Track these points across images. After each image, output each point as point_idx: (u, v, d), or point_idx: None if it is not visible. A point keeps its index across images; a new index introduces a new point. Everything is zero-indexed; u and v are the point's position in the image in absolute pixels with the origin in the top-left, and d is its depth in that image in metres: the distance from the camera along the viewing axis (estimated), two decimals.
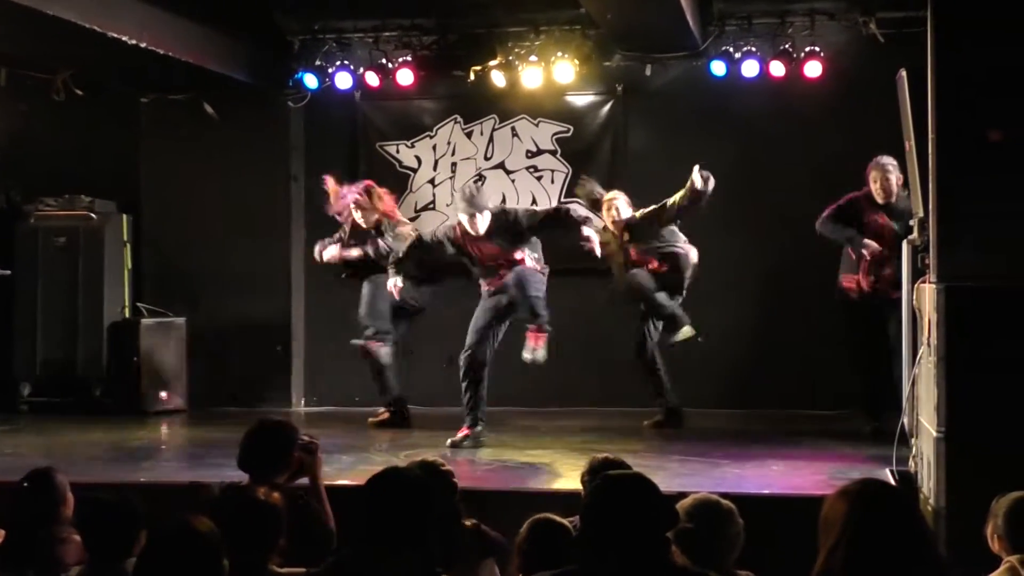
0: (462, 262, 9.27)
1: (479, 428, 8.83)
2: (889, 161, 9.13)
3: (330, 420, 10.62)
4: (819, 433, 9.42)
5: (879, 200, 9.25)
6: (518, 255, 8.94)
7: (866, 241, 9.16)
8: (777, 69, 10.73)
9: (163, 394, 11.50)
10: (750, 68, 10.77)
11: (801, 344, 10.93)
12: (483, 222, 8.91)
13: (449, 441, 8.69)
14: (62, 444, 9.41)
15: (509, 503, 6.80)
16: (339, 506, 5.31)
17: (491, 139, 11.81)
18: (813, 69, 10.68)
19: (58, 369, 11.52)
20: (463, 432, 8.78)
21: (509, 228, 8.96)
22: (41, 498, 5.01)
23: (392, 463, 5.37)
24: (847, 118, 10.75)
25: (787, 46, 10.71)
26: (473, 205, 8.92)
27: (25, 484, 5.08)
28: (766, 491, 7.12)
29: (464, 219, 9.00)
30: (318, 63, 11.53)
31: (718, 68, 10.86)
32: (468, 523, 5.30)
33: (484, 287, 9.12)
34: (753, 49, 10.76)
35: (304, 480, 5.40)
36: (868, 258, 9.14)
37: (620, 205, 9.83)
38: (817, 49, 10.67)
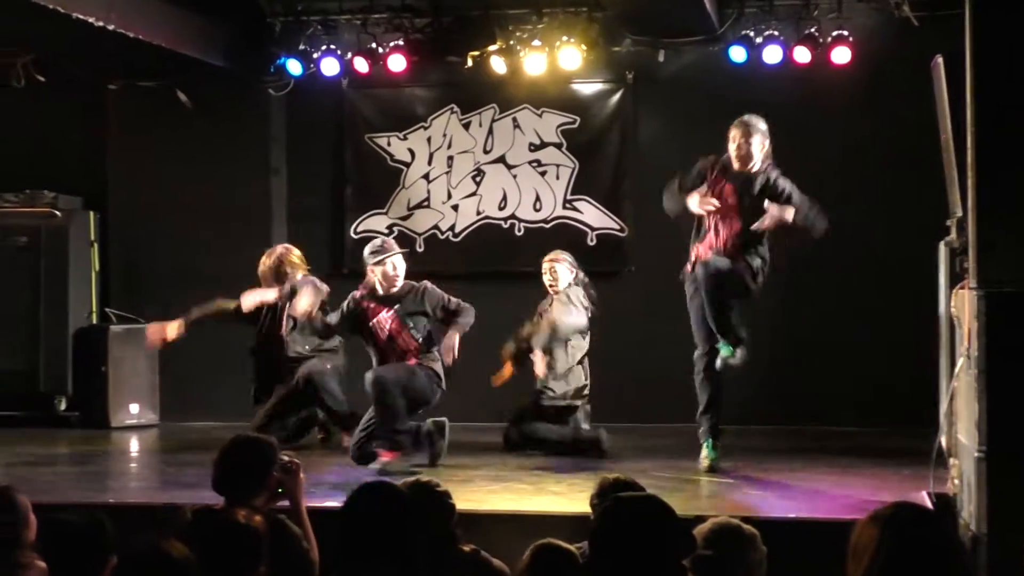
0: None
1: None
2: (757, 122, 8.46)
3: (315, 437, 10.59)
4: (848, 451, 9.40)
5: (733, 165, 8.47)
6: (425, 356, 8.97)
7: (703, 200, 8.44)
8: (802, 55, 10.73)
9: (133, 407, 11.50)
10: (772, 54, 10.77)
11: (829, 353, 10.94)
12: (400, 265, 8.94)
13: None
14: (22, 461, 9.39)
15: (511, 527, 6.79)
16: (323, 531, 5.30)
17: (491, 131, 11.82)
18: (841, 55, 10.68)
19: (18, 380, 11.52)
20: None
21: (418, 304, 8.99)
22: (0, 520, 4.99)
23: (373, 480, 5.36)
24: (877, 108, 10.76)
25: (812, 30, 10.71)
26: (385, 249, 8.95)
27: None
28: (791, 515, 7.10)
29: (377, 272, 8.94)
30: (302, 47, 11.54)
31: (737, 54, 10.86)
32: (466, 548, 5.28)
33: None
34: (775, 33, 10.77)
35: (284, 502, 5.39)
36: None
37: (561, 270, 9.69)
38: (845, 33, 10.67)
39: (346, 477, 8.32)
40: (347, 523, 4.10)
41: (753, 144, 8.38)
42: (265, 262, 10.15)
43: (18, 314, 11.54)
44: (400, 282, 8.95)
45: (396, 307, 8.93)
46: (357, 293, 9.08)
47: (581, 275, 9.73)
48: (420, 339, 8.95)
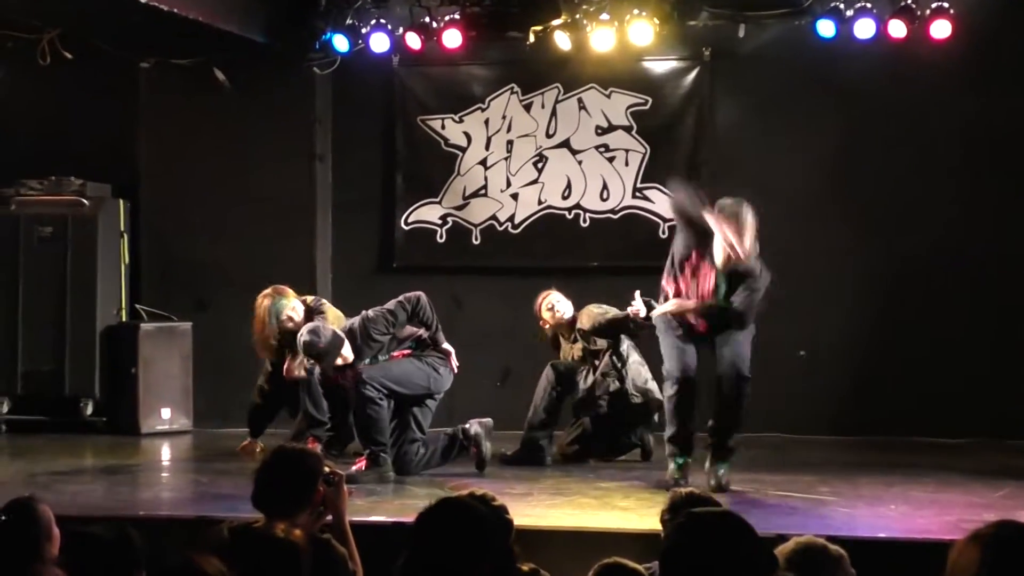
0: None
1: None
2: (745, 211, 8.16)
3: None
4: (944, 466, 9.34)
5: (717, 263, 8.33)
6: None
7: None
8: (897, 29, 10.66)
9: (164, 412, 11.59)
10: (864, 28, 10.70)
11: (921, 360, 10.87)
12: (348, 352, 9.03)
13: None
14: (46, 470, 9.48)
15: (574, 545, 6.78)
16: (367, 548, 5.31)
17: (554, 113, 11.82)
18: (940, 29, 10.59)
19: (42, 383, 11.63)
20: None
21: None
22: (21, 533, 5.03)
23: (436, 495, 5.36)
24: (980, 88, 10.69)
25: (909, 1, 10.63)
26: (328, 352, 8.98)
27: (3, 516, 5.11)
28: (882, 535, 7.06)
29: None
30: (349, 22, 11.58)
31: (826, 28, 10.79)
32: (525, 568, 5.27)
33: None
34: (868, 5, 10.70)
35: (327, 517, 5.40)
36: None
37: (556, 300, 9.99)
38: (945, 5, 10.58)
39: (392, 490, 8.38)
40: (419, 543, 4.07)
41: (746, 239, 8.22)
42: (258, 329, 10.04)
43: (42, 311, 11.64)
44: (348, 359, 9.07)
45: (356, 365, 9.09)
46: (316, 372, 9.36)
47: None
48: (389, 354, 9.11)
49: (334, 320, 9.59)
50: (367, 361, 9.04)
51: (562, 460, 9.74)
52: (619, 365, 9.71)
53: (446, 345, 9.19)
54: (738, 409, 8.37)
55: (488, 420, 9.25)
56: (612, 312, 9.66)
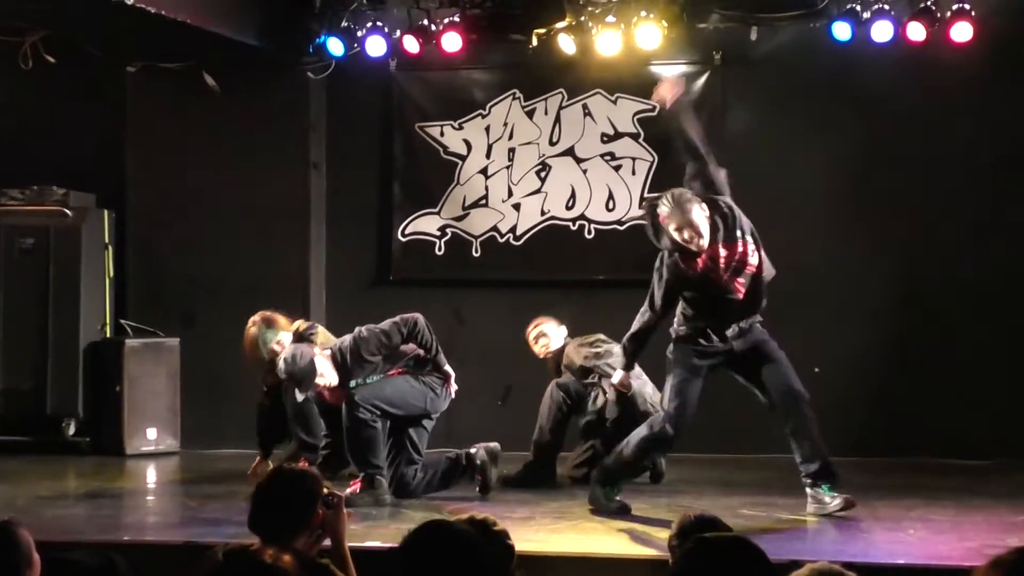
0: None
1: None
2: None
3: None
4: (966, 488, 9.34)
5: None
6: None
7: None
8: (916, 32, 10.67)
9: (150, 432, 11.59)
10: (882, 31, 10.72)
11: (942, 378, 10.88)
12: (331, 376, 9.03)
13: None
14: (27, 493, 9.48)
15: (578, 571, 6.78)
16: (362, 574, 5.31)
17: (558, 119, 11.83)
18: (961, 32, 10.61)
19: (23, 401, 11.62)
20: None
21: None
22: (0, 559, 5.03)
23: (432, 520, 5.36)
24: (1003, 93, 10.69)
25: (928, 3, 10.65)
26: (303, 378, 8.97)
27: None
28: (901, 560, 7.06)
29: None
30: (345, 24, 11.60)
31: (841, 31, 10.81)
32: None
33: None
34: (886, 7, 10.71)
35: (324, 541, 5.40)
36: None
37: (549, 330, 10.16)
38: (966, 7, 10.60)
39: (391, 513, 8.39)
40: (406, 569, 4.08)
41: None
42: (248, 353, 10.11)
43: (23, 326, 11.64)
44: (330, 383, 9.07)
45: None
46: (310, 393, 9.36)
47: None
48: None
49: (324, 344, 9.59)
50: (358, 382, 9.03)
51: (569, 483, 9.74)
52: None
53: (447, 367, 9.18)
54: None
55: (495, 445, 9.22)
56: (595, 360, 9.70)
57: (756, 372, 8.39)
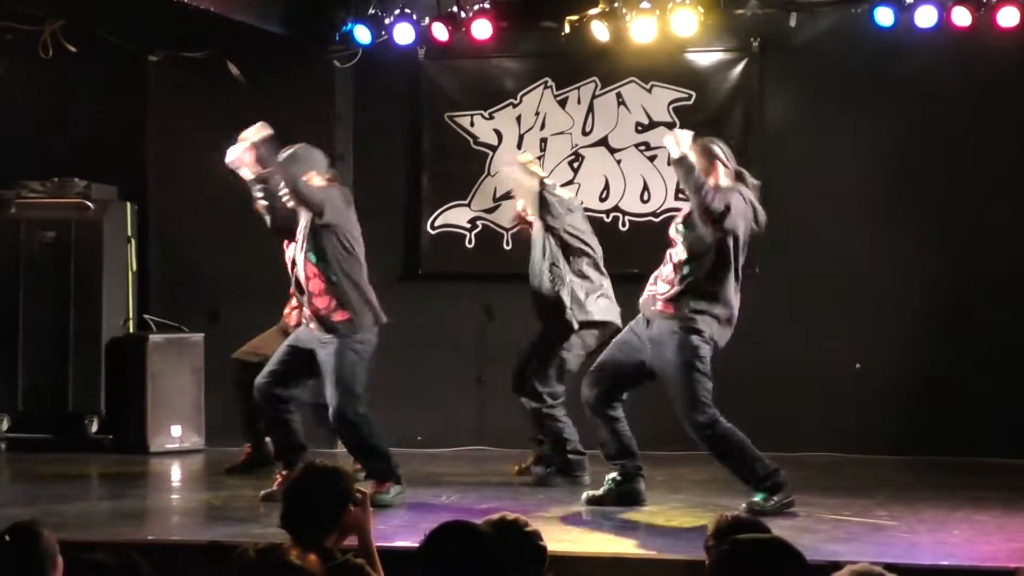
0: None
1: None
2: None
3: None
4: (1012, 488, 9.32)
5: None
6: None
7: None
8: (961, 17, 10.63)
9: (174, 429, 11.63)
10: (926, 16, 10.68)
11: (987, 375, 10.85)
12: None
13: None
14: (49, 491, 9.53)
15: (612, 572, 6.78)
16: (393, 574, 5.33)
17: (591, 108, 11.83)
18: (1008, 17, 10.57)
19: (44, 398, 11.69)
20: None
21: None
22: (23, 561, 5.06)
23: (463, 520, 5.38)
24: None
25: None
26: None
27: (5, 537, 5.14)
28: (944, 562, 7.05)
29: None
30: (372, 11, 11.62)
31: (884, 17, 10.78)
32: None
33: None
34: None
35: (351, 540, 5.42)
36: None
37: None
38: None
39: (418, 513, 8.41)
40: (426, 569, 4.10)
41: None
42: None
43: (44, 321, 11.69)
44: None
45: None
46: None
47: None
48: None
49: None
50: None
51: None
52: None
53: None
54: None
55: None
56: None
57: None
